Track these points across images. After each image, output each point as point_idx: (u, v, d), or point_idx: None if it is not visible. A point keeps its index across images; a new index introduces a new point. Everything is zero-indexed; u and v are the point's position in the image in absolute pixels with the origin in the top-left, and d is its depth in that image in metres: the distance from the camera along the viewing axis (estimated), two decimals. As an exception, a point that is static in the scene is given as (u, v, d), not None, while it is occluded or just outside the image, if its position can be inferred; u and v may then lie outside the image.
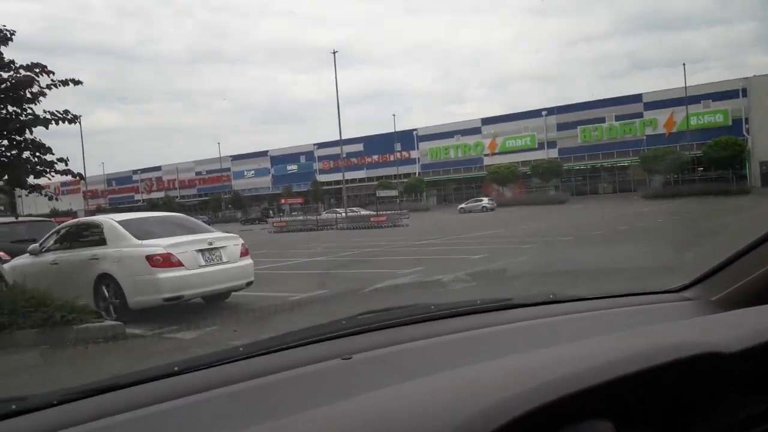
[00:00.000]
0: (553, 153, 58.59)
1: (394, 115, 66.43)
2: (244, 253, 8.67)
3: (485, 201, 51.53)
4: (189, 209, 59.31)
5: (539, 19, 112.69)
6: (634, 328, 1.42)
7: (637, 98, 55.44)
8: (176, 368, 1.25)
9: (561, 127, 59.57)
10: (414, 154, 70.32)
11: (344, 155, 60.23)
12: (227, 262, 8.25)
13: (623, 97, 56.84)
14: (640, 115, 55.11)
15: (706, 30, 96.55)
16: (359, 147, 74.99)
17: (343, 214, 40.42)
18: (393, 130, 67.50)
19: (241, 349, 1.37)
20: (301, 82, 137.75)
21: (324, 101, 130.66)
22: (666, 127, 53.51)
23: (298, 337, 1.46)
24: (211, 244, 8.18)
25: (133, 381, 1.19)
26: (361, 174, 72.63)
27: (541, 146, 60.78)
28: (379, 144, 71.35)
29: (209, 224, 16.34)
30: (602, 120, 57.13)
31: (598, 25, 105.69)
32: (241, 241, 8.82)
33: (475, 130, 65.42)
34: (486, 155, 64.43)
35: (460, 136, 66.59)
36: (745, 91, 49.56)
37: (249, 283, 8.60)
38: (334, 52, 51.53)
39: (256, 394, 1.17)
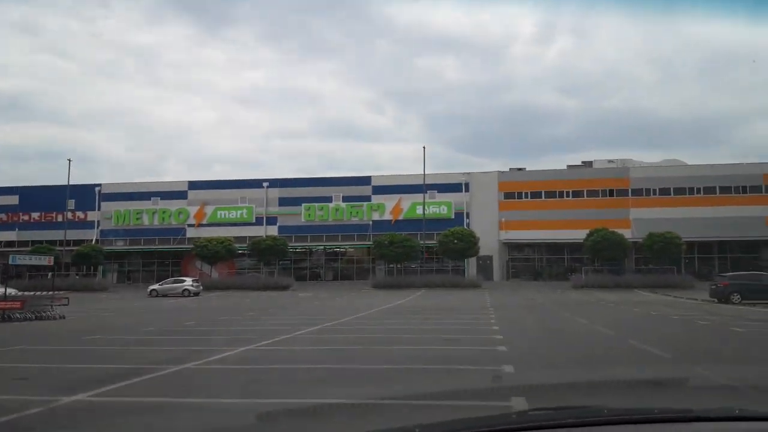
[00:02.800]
0: (273, 230, 50.75)
1: (69, 160, 50.76)
2: None
3: (188, 282, 40.38)
4: None
5: (242, 108, 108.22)
6: None
7: (365, 180, 51.99)
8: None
9: (283, 202, 52.51)
10: (93, 215, 54.93)
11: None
12: None
13: (352, 177, 52.96)
14: (368, 199, 51.50)
15: (388, 145, 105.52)
16: (13, 199, 56.18)
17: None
18: (66, 183, 51.58)
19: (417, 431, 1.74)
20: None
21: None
22: (393, 214, 50.74)
23: (471, 425, 1.58)
24: None
25: None
26: (11, 235, 53.68)
27: (259, 221, 52.50)
28: (44, 198, 54.17)
29: None
30: (329, 199, 51.96)
31: (298, 123, 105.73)
32: None
33: (179, 195, 53.98)
34: (191, 226, 53.22)
35: (159, 200, 54.19)
36: (468, 186, 49.90)
37: None
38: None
39: None
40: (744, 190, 46.38)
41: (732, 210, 44.82)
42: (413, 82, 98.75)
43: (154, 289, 40.24)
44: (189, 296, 38.69)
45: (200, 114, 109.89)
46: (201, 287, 40.60)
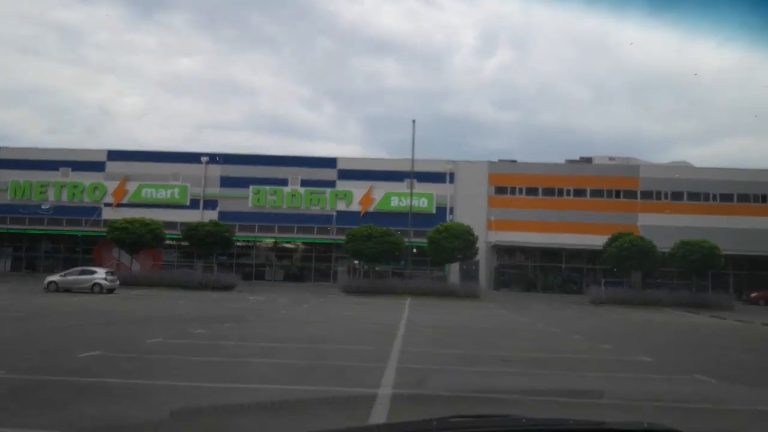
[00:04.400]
0: (211, 216, 41.26)
1: None
2: None
3: (101, 274, 30.44)
4: None
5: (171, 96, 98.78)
6: None
7: (330, 162, 43.37)
8: None
9: (227, 182, 43.14)
10: (-18, 185, 43.70)
11: None
12: None
13: (313, 158, 44.21)
14: (332, 184, 42.92)
15: (325, 144, 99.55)
16: None
17: None
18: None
19: None
20: None
21: None
22: (362, 204, 42.37)
23: (392, 430, 1.68)
24: None
25: None
26: None
27: (194, 204, 42.89)
28: None
29: None
30: (284, 182, 43.02)
31: (231, 116, 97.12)
32: None
33: (95, 166, 43.54)
34: (108, 205, 42.95)
35: (70, 171, 43.56)
36: (452, 176, 42.23)
37: None
38: None
39: None
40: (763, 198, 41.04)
41: (752, 221, 39.32)
42: (352, 82, 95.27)
43: (52, 282, 30.08)
44: (100, 293, 29.00)
45: (126, 99, 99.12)
46: (117, 282, 30.93)
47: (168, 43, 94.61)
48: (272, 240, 43.00)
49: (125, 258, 40.54)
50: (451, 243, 32.20)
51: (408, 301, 28.49)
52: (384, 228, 34.21)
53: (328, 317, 19.81)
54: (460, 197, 41.69)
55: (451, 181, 42.12)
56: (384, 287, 32.33)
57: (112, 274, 31.13)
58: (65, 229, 42.33)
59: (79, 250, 43.34)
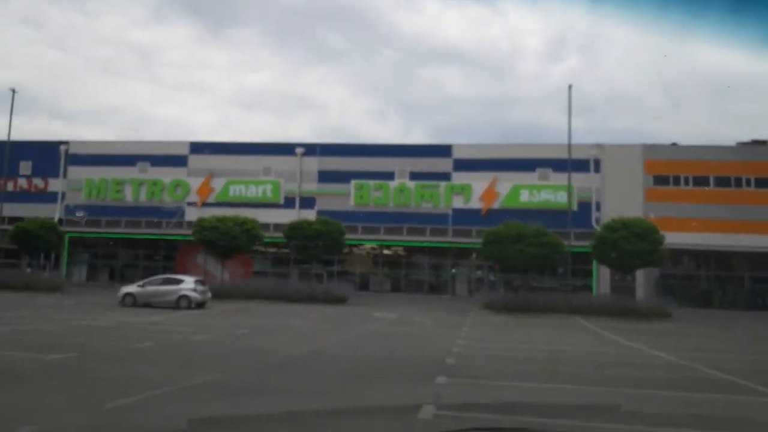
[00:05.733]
0: (309, 215, 35.27)
1: (12, 90, 34.75)
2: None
3: (188, 283, 24.71)
4: None
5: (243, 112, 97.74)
6: None
7: (444, 151, 36.62)
8: None
9: (325, 177, 37.10)
10: (56, 184, 39.41)
11: None
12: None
13: (424, 146, 37.62)
14: (446, 177, 36.13)
15: None
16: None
17: None
18: (14, 138, 36.08)
19: None
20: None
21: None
22: (484, 200, 35.39)
23: None
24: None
25: None
26: None
27: (289, 203, 37.06)
28: (-14, 156, 38.39)
29: None
30: (390, 176, 36.58)
31: (299, 131, 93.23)
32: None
33: (177, 160, 38.42)
34: (192, 204, 37.70)
35: (148, 166, 38.64)
36: (598, 164, 34.64)
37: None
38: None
39: None
40: None
41: None
42: (418, 92, 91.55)
43: (129, 294, 24.49)
44: (188, 308, 23.36)
45: (198, 116, 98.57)
46: (209, 294, 25.23)
47: (238, 60, 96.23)
48: (377, 243, 36.57)
49: (211, 265, 35.21)
50: (633, 244, 24.58)
51: (583, 323, 21.27)
52: (536, 225, 27.03)
53: (562, 352, 12.93)
54: (608, 189, 34.01)
55: (597, 170, 34.47)
56: (540, 304, 25.14)
57: (202, 283, 25.39)
58: (144, 232, 37.35)
59: (160, 257, 38.37)
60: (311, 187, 37.02)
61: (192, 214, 36.80)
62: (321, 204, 36.52)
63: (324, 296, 27.10)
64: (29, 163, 39.69)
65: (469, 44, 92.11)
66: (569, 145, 30.73)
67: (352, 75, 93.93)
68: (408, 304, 28.06)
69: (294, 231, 29.20)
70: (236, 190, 37.39)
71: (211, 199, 37.37)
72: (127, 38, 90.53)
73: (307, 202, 36.84)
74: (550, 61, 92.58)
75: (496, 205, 35.17)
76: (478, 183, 35.51)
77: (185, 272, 31.89)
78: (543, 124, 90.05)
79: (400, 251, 37.16)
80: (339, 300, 27.07)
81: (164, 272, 35.81)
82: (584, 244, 28.68)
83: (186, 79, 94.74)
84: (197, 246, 33.15)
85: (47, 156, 39.24)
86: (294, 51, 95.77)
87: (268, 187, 37.26)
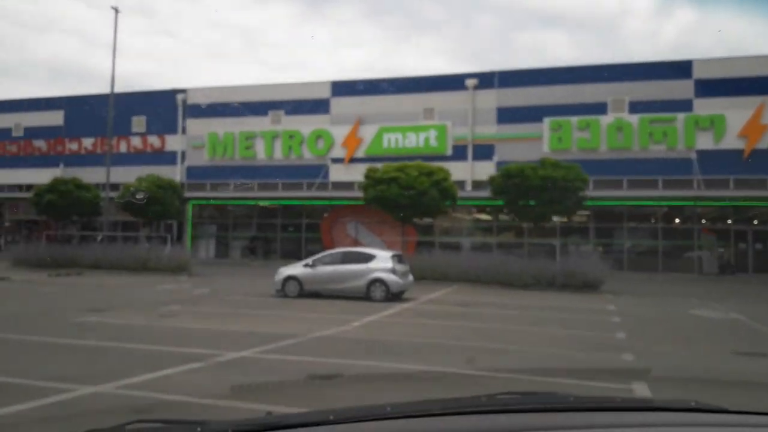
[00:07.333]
0: (487, 168, 26.35)
1: (116, 9, 27.49)
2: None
3: (382, 260, 15.78)
4: None
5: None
6: None
7: (681, 69, 26.08)
8: (331, 417, 1.41)
9: (506, 116, 27.88)
10: (174, 142, 33.03)
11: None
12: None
13: (648, 64, 27.19)
14: (687, 106, 25.78)
15: None
16: (56, 117, 35.64)
17: None
18: (118, 89, 29.79)
19: (388, 409, 1.48)
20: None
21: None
22: (748, 136, 24.86)
23: (443, 407, 1.51)
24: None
25: (293, 423, 1.38)
26: (53, 173, 31.73)
27: (459, 153, 28.30)
28: (94, 115, 32.23)
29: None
30: (600, 109, 26.74)
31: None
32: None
33: (315, 106, 30.55)
34: (337, 161, 29.92)
35: (283, 114, 31.13)
36: None
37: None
38: None
39: None
40: None
41: None
42: (518, 59, 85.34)
43: (292, 278, 16.46)
44: (383, 300, 15.15)
45: None
46: (411, 278, 16.77)
47: (339, 36, 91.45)
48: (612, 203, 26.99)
49: (364, 236, 27.65)
50: None
51: None
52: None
53: None
54: None
55: None
56: None
57: (400, 260, 16.72)
58: (282, 196, 30.16)
59: (306, 226, 30.94)
60: (488, 130, 27.99)
61: (337, 173, 29.14)
62: (501, 153, 27.44)
63: (568, 279, 18.12)
64: (142, 119, 33.48)
65: (572, 3, 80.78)
66: None
67: (451, 45, 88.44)
68: (661, 287, 18.68)
69: (509, 179, 19.93)
70: (390, 140, 29.09)
71: (359, 153, 29.37)
72: (233, 21, 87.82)
73: (483, 150, 27.90)
74: (660, 17, 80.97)
75: (761, 144, 24.62)
76: (735, 113, 24.94)
77: (331, 245, 24.34)
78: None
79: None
80: (590, 285, 18.06)
81: (307, 246, 28.67)
82: None
83: (288, 58, 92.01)
84: (344, 211, 25.43)
85: (162, 109, 32.78)
86: (392, 25, 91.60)
87: (432, 134, 28.63)
